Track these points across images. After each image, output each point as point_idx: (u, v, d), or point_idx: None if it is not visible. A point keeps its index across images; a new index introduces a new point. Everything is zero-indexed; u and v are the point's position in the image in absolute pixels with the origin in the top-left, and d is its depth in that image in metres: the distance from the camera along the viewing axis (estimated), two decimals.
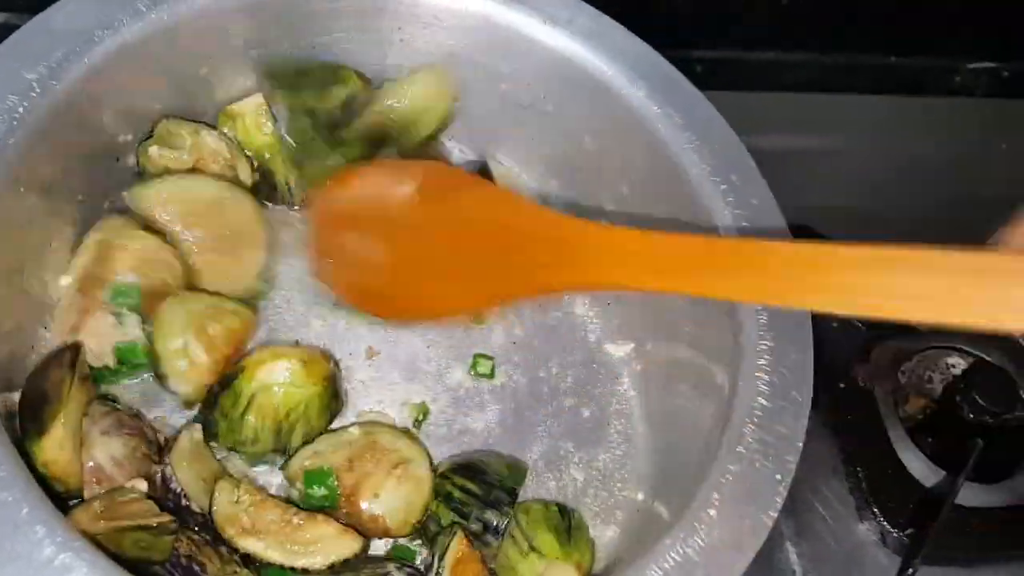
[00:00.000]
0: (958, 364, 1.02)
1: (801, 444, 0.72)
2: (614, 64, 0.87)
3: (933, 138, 1.28)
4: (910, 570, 0.89)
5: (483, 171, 0.97)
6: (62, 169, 0.80)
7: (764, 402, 0.73)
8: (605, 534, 0.85)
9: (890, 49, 1.30)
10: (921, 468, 0.95)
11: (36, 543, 0.60)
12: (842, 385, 0.99)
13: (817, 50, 1.28)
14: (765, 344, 0.76)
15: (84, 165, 0.83)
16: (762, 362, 0.75)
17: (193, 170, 0.88)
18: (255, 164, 0.91)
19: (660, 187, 0.88)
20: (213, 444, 0.80)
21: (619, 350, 0.94)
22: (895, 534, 0.93)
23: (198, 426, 0.80)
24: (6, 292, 0.76)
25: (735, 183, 0.83)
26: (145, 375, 0.83)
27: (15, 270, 0.78)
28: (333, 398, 0.83)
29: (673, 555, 0.67)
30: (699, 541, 0.67)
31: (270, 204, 0.93)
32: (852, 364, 1.00)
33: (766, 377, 0.74)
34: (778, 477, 0.71)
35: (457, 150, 1.00)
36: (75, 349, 0.78)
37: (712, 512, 0.69)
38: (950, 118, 1.31)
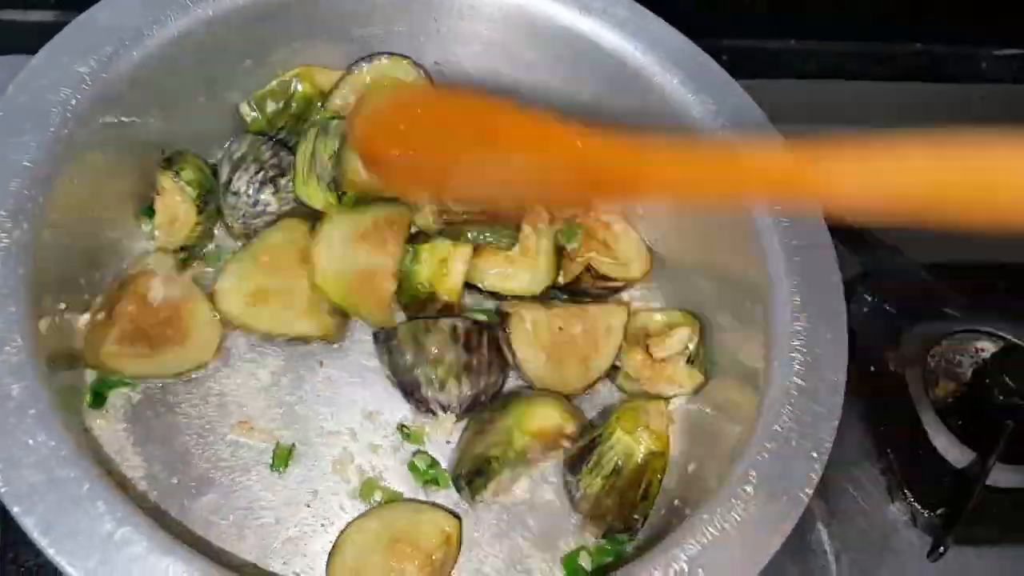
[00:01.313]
0: (987, 348, 1.03)
1: (836, 422, 0.73)
2: (649, 52, 0.88)
3: (958, 125, 1.27)
4: (941, 549, 0.90)
5: None
6: (112, 162, 0.83)
7: (799, 381, 0.74)
8: None
9: (915, 37, 1.30)
10: (952, 450, 0.95)
11: (96, 518, 0.62)
12: (873, 369, 1.00)
13: (839, 38, 1.29)
14: (800, 325, 0.77)
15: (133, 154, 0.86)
16: (796, 343, 0.76)
17: None
18: None
19: None
20: None
21: None
22: (926, 515, 0.94)
23: None
24: None
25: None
26: None
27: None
28: None
29: (710, 529, 0.68)
30: (736, 517, 0.69)
31: None
32: (882, 349, 1.01)
33: (801, 357, 0.75)
34: (814, 455, 0.72)
35: None
36: None
37: (749, 488, 0.70)
38: (975, 105, 1.30)
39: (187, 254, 0.90)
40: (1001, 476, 0.92)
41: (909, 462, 0.96)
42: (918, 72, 1.31)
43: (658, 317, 0.93)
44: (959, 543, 0.90)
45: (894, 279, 1.05)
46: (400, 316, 0.91)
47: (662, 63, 0.88)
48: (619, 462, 0.82)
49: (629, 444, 0.82)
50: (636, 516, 0.83)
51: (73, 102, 0.77)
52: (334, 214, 0.90)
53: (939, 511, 0.93)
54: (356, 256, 0.89)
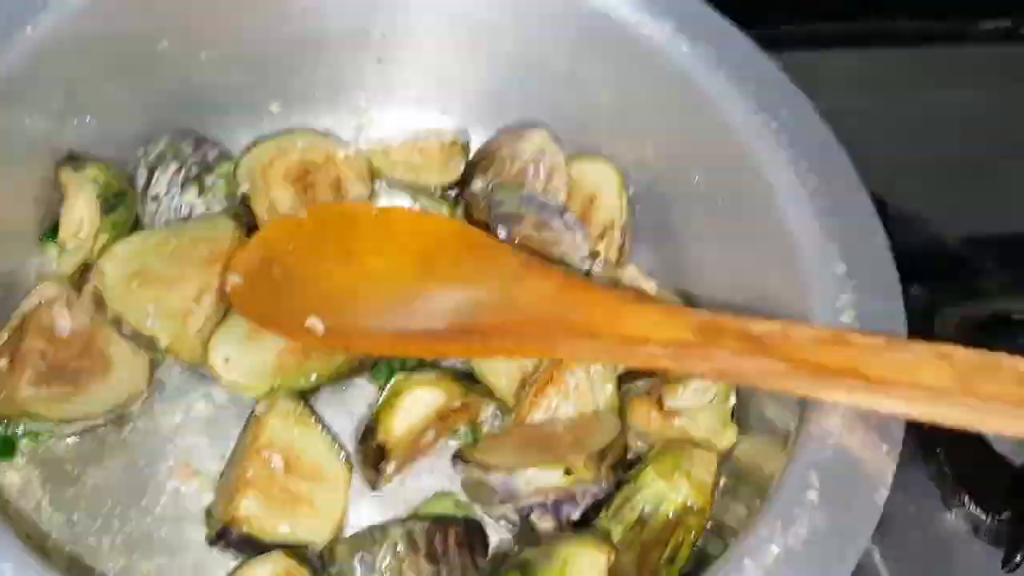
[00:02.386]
0: None
1: None
2: (631, 1, 0.77)
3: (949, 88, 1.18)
4: (1017, 558, 0.78)
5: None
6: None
7: None
8: None
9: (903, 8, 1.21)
10: (1008, 445, 0.83)
11: None
12: None
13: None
14: (847, 296, 0.64)
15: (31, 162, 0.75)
16: (846, 318, 0.64)
17: None
18: None
19: (693, 139, 0.78)
20: None
21: None
22: (989, 522, 0.81)
23: None
24: None
25: (787, 121, 0.72)
26: None
27: None
28: None
29: (773, 548, 0.54)
30: (801, 531, 0.55)
31: None
32: (915, 337, 0.90)
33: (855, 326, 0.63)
34: (885, 448, 0.59)
35: (444, 117, 0.89)
36: None
37: (812, 495, 0.57)
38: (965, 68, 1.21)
39: (82, 276, 0.77)
40: None
41: (963, 463, 0.84)
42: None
43: None
44: None
45: (923, 255, 0.93)
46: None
47: (648, 11, 0.76)
48: (646, 509, 0.68)
49: (662, 490, 0.68)
50: None
51: None
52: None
53: (1004, 515, 0.81)
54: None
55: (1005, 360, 0.56)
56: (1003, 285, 0.94)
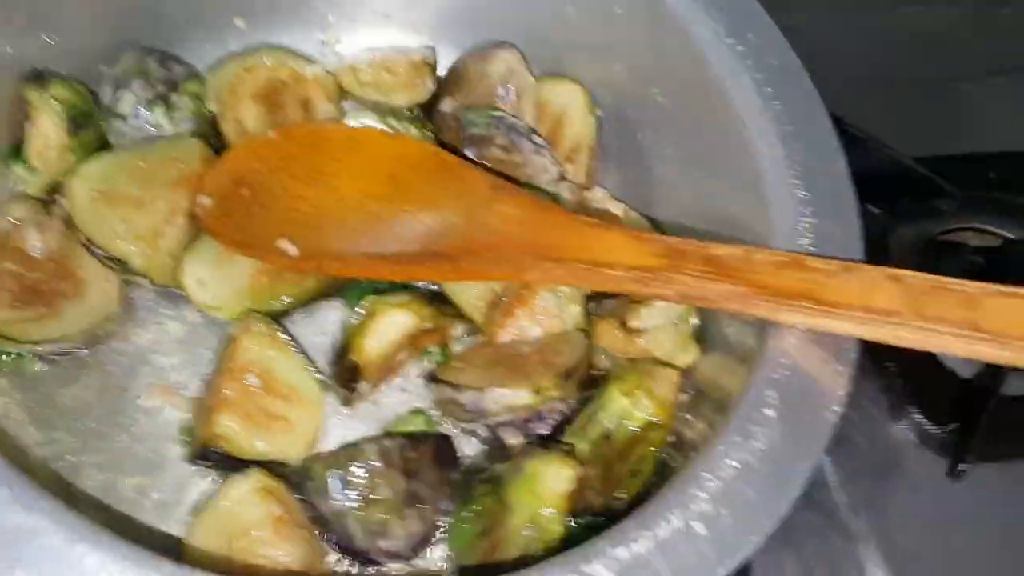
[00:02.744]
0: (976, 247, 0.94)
1: None
2: None
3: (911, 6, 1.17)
4: (960, 468, 0.82)
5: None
6: None
7: None
8: None
9: None
10: (956, 358, 0.86)
11: (1, 507, 0.51)
12: None
13: None
14: (806, 221, 0.66)
15: None
16: (805, 241, 0.66)
17: None
18: None
19: (660, 61, 0.78)
20: None
21: None
22: (936, 432, 0.86)
23: None
24: None
25: (753, 44, 0.72)
26: None
27: None
28: None
29: (731, 462, 0.57)
30: (759, 445, 0.58)
31: None
32: (871, 255, 0.92)
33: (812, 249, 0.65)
34: (839, 368, 0.62)
35: (411, 35, 0.89)
36: None
37: (770, 412, 0.59)
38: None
39: (51, 196, 0.76)
40: (1020, 383, 0.84)
41: (911, 376, 0.87)
42: None
43: None
44: (979, 460, 0.82)
45: (878, 176, 0.95)
46: None
47: None
48: (610, 426, 0.70)
49: (625, 407, 0.70)
50: (620, 495, 0.70)
51: None
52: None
53: (951, 427, 0.85)
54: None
55: (952, 283, 0.58)
56: (958, 204, 0.96)
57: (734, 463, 0.57)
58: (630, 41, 0.80)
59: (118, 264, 0.73)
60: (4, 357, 0.72)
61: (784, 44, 0.74)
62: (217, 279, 0.74)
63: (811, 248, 0.66)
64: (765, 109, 0.71)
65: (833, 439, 0.63)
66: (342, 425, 0.74)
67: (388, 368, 0.75)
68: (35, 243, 0.73)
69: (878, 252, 0.90)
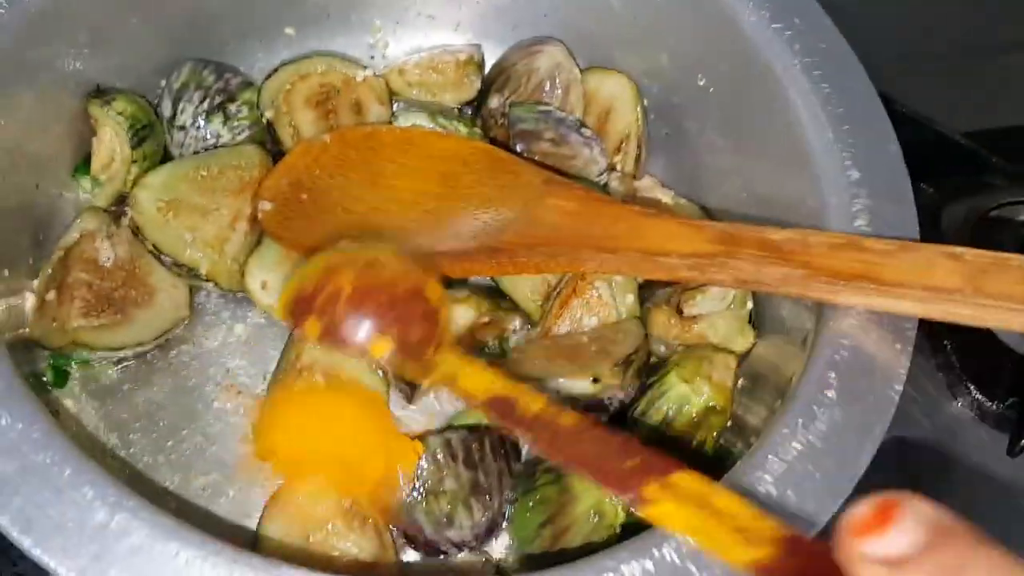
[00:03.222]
0: None
1: None
2: None
3: None
4: (1021, 444, 0.82)
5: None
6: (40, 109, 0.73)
7: None
8: None
9: None
10: (1014, 336, 0.86)
11: (85, 507, 0.52)
12: None
13: None
14: (860, 203, 0.67)
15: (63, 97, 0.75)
16: (860, 223, 0.66)
17: None
18: None
19: (706, 48, 0.78)
20: None
21: None
22: (994, 408, 0.85)
23: None
24: None
25: (800, 28, 0.73)
26: None
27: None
28: None
29: (795, 445, 0.58)
30: (821, 426, 0.59)
31: None
32: (923, 233, 0.92)
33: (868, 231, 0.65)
34: (898, 346, 0.62)
35: (457, 35, 0.91)
36: None
37: (831, 393, 0.60)
38: None
39: (119, 207, 0.79)
40: None
41: (968, 353, 0.87)
42: None
43: None
44: None
45: (928, 153, 0.95)
46: None
47: None
48: (670, 412, 0.71)
49: (685, 393, 0.71)
50: None
51: None
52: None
53: (1009, 402, 0.85)
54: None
55: (1014, 259, 0.58)
56: (1008, 178, 0.95)
57: (798, 445, 0.58)
58: (675, 30, 0.80)
59: (186, 271, 0.76)
60: (79, 363, 0.74)
61: (831, 27, 0.74)
62: (280, 281, 0.76)
63: (867, 230, 0.66)
64: (814, 92, 0.71)
65: (892, 417, 0.64)
66: (406, 420, 0.75)
67: None
68: (105, 253, 0.75)
69: (930, 229, 0.91)
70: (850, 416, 0.59)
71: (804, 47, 0.72)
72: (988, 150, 0.96)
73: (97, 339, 0.73)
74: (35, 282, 0.73)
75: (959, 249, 0.59)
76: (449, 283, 0.77)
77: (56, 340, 0.72)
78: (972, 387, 0.86)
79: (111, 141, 0.78)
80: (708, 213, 0.82)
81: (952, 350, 0.87)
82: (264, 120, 0.82)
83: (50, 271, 0.74)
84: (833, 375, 0.61)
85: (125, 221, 0.77)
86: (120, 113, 0.77)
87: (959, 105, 1.00)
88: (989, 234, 0.93)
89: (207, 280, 0.76)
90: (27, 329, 0.71)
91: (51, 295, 0.73)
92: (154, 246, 0.75)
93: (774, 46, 0.73)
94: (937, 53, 1.08)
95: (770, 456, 0.58)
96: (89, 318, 0.73)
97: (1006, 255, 0.58)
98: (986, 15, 1.12)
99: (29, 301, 0.73)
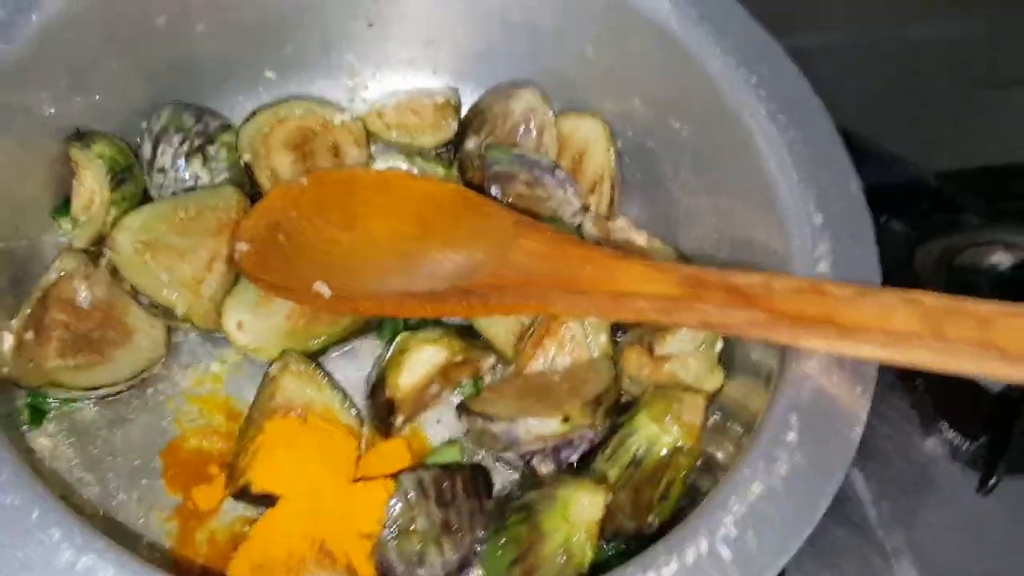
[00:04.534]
0: (1003, 261, 0.94)
1: None
2: None
3: (956, 17, 1.17)
4: (992, 481, 0.82)
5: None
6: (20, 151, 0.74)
7: None
8: None
9: None
10: None
11: (52, 548, 0.54)
12: None
13: None
14: (824, 246, 0.68)
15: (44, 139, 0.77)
16: (823, 267, 0.67)
17: None
18: None
19: (677, 94, 0.80)
20: None
21: None
22: (967, 446, 0.86)
23: None
24: None
25: (765, 75, 0.74)
26: None
27: None
28: None
29: (755, 487, 0.59)
30: (782, 469, 0.60)
31: None
32: (897, 271, 0.93)
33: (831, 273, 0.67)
34: (859, 390, 0.63)
35: (432, 75, 0.92)
36: None
37: (792, 436, 0.61)
38: None
39: (97, 247, 0.79)
40: None
41: (941, 391, 0.88)
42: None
43: None
44: (1011, 472, 0.82)
45: (904, 192, 0.96)
46: None
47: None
48: (639, 452, 0.72)
49: (655, 433, 0.71)
50: (651, 519, 0.71)
51: None
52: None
53: (981, 440, 0.85)
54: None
55: (970, 304, 0.59)
56: (982, 217, 0.96)
57: (759, 487, 0.59)
58: (646, 76, 0.82)
59: (162, 311, 0.77)
60: (55, 402, 0.75)
61: (795, 72, 0.76)
62: (256, 322, 0.77)
63: (830, 272, 0.67)
64: (780, 136, 0.72)
65: (865, 453, 0.64)
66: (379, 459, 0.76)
67: (422, 401, 0.77)
68: (83, 293, 0.76)
69: (904, 268, 0.93)
70: (811, 458, 0.60)
71: (769, 92, 0.74)
72: (963, 189, 0.97)
73: (73, 379, 0.74)
74: (13, 322, 0.74)
75: (918, 294, 0.60)
76: (423, 323, 0.78)
77: (33, 380, 0.73)
78: (945, 425, 0.87)
79: (91, 183, 0.79)
80: (682, 255, 0.83)
81: (925, 388, 0.88)
82: (242, 162, 0.84)
83: (28, 311, 0.74)
84: (795, 417, 0.62)
85: (103, 262, 0.78)
86: (100, 156, 0.78)
87: (934, 143, 1.01)
88: (962, 274, 0.94)
89: (184, 320, 0.77)
90: (4, 368, 0.72)
91: (29, 335, 0.73)
92: (132, 287, 0.76)
93: (741, 92, 0.74)
94: (912, 91, 1.09)
95: (732, 497, 0.59)
96: (66, 358, 0.74)
97: (962, 299, 0.59)
98: (959, 53, 1.13)
99: (7, 341, 0.73)
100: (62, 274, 0.76)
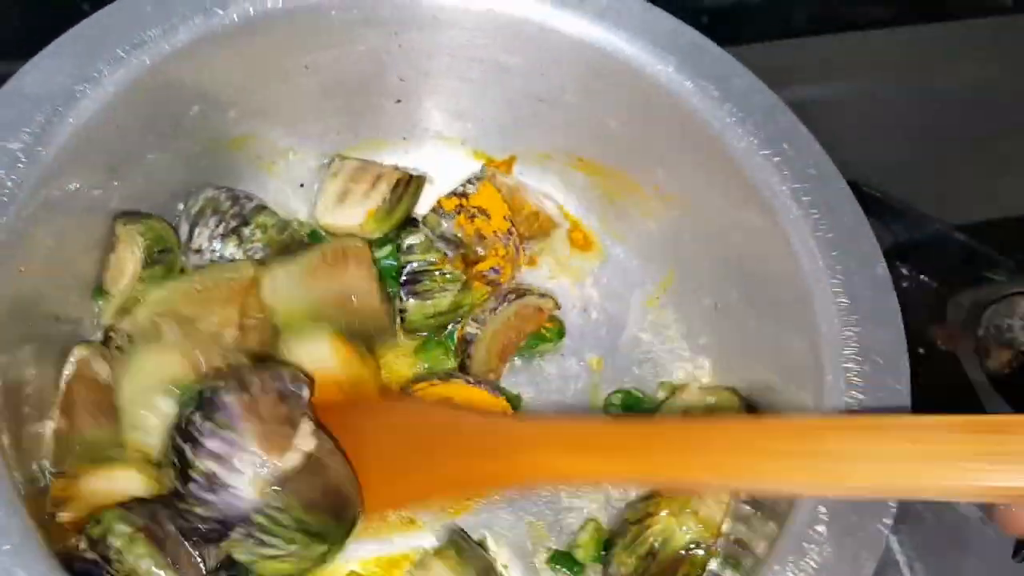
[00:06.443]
0: None
1: None
2: (636, 40, 0.79)
3: (968, 65, 1.18)
4: None
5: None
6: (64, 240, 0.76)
7: (860, 396, 0.66)
8: None
9: None
10: None
11: None
12: (921, 351, 0.91)
13: None
14: (851, 331, 0.68)
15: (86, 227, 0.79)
16: (849, 351, 0.68)
17: None
18: None
19: (701, 168, 0.81)
20: None
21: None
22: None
23: None
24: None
25: (788, 153, 0.75)
26: None
27: None
28: None
29: None
30: (812, 563, 0.60)
31: None
32: (928, 326, 0.93)
33: (856, 368, 0.67)
34: None
35: (469, 154, 0.94)
36: None
37: (821, 529, 0.62)
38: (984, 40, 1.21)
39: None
40: None
41: None
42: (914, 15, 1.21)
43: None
44: None
45: (930, 247, 0.96)
46: None
47: (652, 50, 0.79)
48: (655, 544, 0.72)
49: (670, 527, 0.72)
50: None
51: (9, 184, 0.69)
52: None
53: None
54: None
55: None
56: (1009, 272, 0.96)
57: None
58: (672, 152, 0.83)
59: None
60: None
61: (819, 149, 0.76)
62: None
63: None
64: (804, 218, 0.73)
65: (899, 515, 0.64)
66: None
67: None
68: (104, 372, 0.78)
69: (937, 322, 0.93)
70: (841, 552, 0.61)
71: (793, 172, 0.74)
72: (989, 243, 0.97)
73: None
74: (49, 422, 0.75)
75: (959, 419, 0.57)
76: None
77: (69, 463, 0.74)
78: None
79: (125, 258, 0.81)
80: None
81: None
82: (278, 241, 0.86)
83: (58, 407, 0.75)
84: (824, 510, 0.62)
85: (116, 339, 0.79)
86: (141, 235, 0.80)
87: (957, 195, 1.01)
88: (994, 323, 0.94)
89: None
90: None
91: (63, 422, 0.75)
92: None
93: (764, 171, 0.75)
94: (931, 142, 1.09)
95: None
96: (99, 420, 0.76)
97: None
98: (978, 102, 1.13)
99: (48, 428, 0.75)
100: (78, 363, 0.77)
